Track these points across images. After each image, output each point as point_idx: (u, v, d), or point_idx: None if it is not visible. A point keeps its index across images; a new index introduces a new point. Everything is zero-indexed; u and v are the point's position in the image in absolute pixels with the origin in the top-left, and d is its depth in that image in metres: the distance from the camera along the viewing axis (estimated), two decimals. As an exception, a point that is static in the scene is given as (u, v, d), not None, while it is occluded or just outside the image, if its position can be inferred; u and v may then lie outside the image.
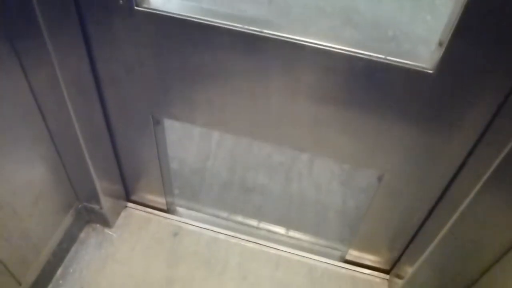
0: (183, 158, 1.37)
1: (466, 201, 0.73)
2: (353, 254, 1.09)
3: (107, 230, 1.14)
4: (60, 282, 1.04)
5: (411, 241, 0.99)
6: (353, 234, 1.06)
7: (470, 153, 0.74)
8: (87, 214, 1.12)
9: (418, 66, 0.65)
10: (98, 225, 1.14)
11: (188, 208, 1.19)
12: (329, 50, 0.67)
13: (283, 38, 0.68)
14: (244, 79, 0.77)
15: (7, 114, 0.79)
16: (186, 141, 1.43)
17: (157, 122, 0.94)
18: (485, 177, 0.68)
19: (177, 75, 0.80)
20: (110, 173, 1.08)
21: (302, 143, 0.86)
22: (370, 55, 0.66)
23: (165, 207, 1.17)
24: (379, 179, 0.87)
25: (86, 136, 0.92)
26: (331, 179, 1.35)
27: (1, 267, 0.86)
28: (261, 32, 0.68)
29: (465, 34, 0.59)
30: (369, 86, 0.70)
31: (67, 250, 1.09)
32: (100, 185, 1.04)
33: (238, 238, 1.14)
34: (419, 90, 0.68)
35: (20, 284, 0.94)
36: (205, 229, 1.15)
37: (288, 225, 1.16)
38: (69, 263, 1.07)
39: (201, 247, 1.12)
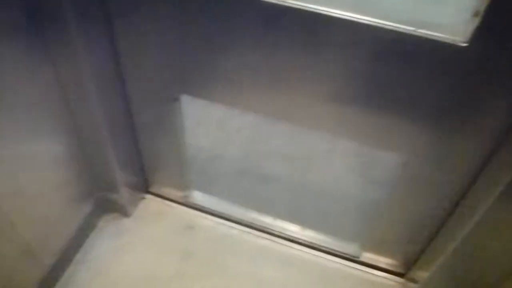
0: (200, 145, 1.38)
1: (489, 203, 0.70)
2: (368, 255, 1.09)
3: (125, 220, 1.17)
4: (78, 266, 1.08)
5: (428, 244, 0.97)
6: (369, 233, 1.06)
7: (499, 143, 0.70)
8: (106, 203, 1.15)
9: (449, 39, 0.61)
10: (116, 214, 1.17)
11: (204, 200, 1.20)
12: (356, 22, 0.64)
13: (306, 8, 0.65)
14: (265, 54, 0.75)
15: (34, 101, 0.82)
16: (203, 129, 1.44)
17: (176, 100, 0.94)
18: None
19: (199, 51, 0.80)
20: (130, 164, 1.11)
21: (323, 122, 0.82)
22: (398, 27, 0.62)
23: (181, 200, 1.20)
24: (403, 165, 0.83)
25: (108, 127, 0.95)
26: (350, 171, 1.33)
27: (26, 248, 0.90)
28: (284, 1, 0.66)
29: (504, 4, 0.54)
30: (397, 60, 0.67)
31: (86, 237, 1.12)
32: (120, 176, 1.07)
33: (252, 234, 1.15)
34: (450, 64, 0.64)
35: (41, 265, 0.98)
36: (219, 224, 1.17)
37: (302, 220, 1.16)
38: (88, 249, 1.11)
39: (215, 241, 1.14)
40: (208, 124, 1.45)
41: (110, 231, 1.15)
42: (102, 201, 1.14)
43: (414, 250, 1.01)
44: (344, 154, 1.38)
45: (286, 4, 0.66)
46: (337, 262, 1.11)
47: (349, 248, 1.12)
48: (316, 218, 1.20)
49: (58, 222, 1.02)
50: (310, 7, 0.65)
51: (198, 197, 1.20)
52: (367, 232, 1.07)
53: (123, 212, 1.17)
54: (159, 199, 1.22)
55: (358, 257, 1.10)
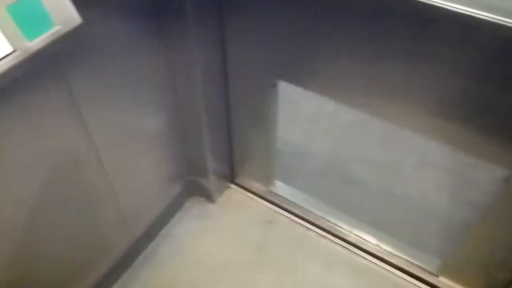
0: (289, 139, 1.41)
1: None
2: (444, 281, 1.05)
3: (209, 205, 1.24)
4: (162, 241, 1.16)
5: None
6: (451, 256, 1.02)
7: None
8: (194, 187, 1.23)
9: None
10: (202, 198, 1.25)
11: (286, 192, 1.23)
12: (471, 17, 0.59)
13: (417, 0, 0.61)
14: (368, 47, 0.74)
15: (147, 82, 0.90)
16: (294, 123, 1.46)
17: (273, 86, 0.96)
18: None
19: (304, 39, 0.81)
20: (221, 154, 1.18)
21: (422, 124, 0.79)
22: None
23: (263, 194, 1.24)
24: (507, 180, 0.76)
25: (207, 115, 1.02)
26: (440, 186, 1.29)
27: (121, 215, 0.99)
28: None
29: None
30: (506, 58, 0.62)
31: (172, 215, 1.21)
32: (210, 163, 1.14)
33: (328, 238, 1.16)
34: None
35: (131, 234, 1.07)
36: (297, 223, 1.20)
37: (382, 228, 1.15)
38: (173, 226, 1.19)
39: (291, 239, 1.17)
40: (300, 119, 1.47)
41: (194, 213, 1.22)
42: (191, 184, 1.22)
43: (504, 277, 0.94)
44: (435, 168, 1.33)
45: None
46: (411, 282, 1.09)
47: (429, 264, 1.08)
48: (398, 229, 1.18)
49: (151, 197, 1.10)
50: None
51: (280, 188, 1.23)
52: (451, 251, 1.02)
53: (209, 197, 1.23)
54: (242, 191, 1.27)
55: (437, 275, 1.06)
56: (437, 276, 1.06)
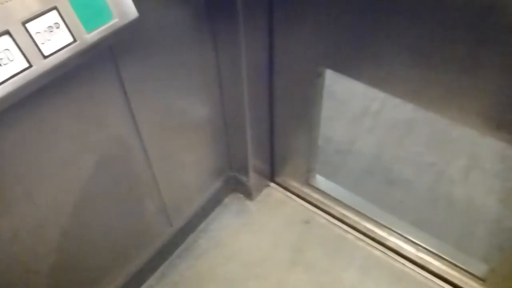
0: (332, 136, 1.40)
1: None
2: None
3: (248, 202, 1.25)
4: (200, 234, 1.18)
5: None
6: (498, 262, 0.98)
7: None
8: (234, 183, 1.25)
9: None
10: (241, 195, 1.26)
11: (325, 193, 1.23)
12: None
13: None
14: (421, 35, 0.72)
15: (194, 79, 0.92)
16: (338, 120, 1.45)
17: (320, 75, 0.95)
18: None
19: (351, 28, 0.80)
20: (262, 151, 1.19)
21: (475, 117, 0.77)
22: None
23: (303, 194, 1.24)
24: None
25: (251, 113, 1.03)
26: (487, 192, 1.25)
27: (162, 206, 1.02)
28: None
29: None
30: None
31: (212, 209, 1.23)
32: (252, 161, 1.15)
33: (366, 242, 1.15)
34: None
35: (171, 225, 1.10)
36: (335, 225, 1.19)
37: (424, 231, 1.12)
38: (211, 221, 1.21)
39: (328, 241, 1.16)
40: (344, 117, 1.46)
41: (233, 210, 1.24)
42: (231, 180, 1.24)
43: None
44: (483, 172, 1.29)
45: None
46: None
47: (474, 269, 1.04)
48: (441, 232, 1.15)
49: (192, 191, 1.13)
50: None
51: (321, 182, 1.22)
52: (498, 257, 0.99)
53: (248, 194, 1.25)
54: (281, 189, 1.28)
55: (484, 280, 1.02)
56: (483, 281, 1.02)
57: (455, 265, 1.06)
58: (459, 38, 0.68)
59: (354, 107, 1.49)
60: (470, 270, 1.04)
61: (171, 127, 0.93)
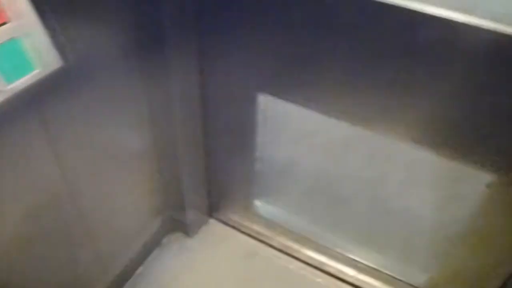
0: (270, 160, 1.39)
1: None
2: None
3: (188, 241, 1.21)
4: (139, 279, 1.13)
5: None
6: (438, 270, 1.02)
7: None
8: (172, 222, 1.21)
9: None
10: (180, 234, 1.22)
11: (265, 230, 1.22)
12: (452, 21, 0.61)
13: (400, 5, 0.62)
14: (352, 56, 0.74)
15: (125, 116, 0.89)
16: (277, 143, 1.46)
17: (253, 99, 0.94)
18: None
19: (284, 53, 0.81)
20: (199, 187, 1.17)
21: (410, 132, 0.80)
22: (498, 28, 0.59)
23: (243, 228, 1.23)
24: (489, 186, 0.78)
25: (185, 149, 1.01)
26: (426, 199, 1.30)
27: (96, 254, 0.96)
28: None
29: None
30: (495, 64, 0.63)
31: (150, 252, 1.17)
32: (188, 198, 1.12)
33: (308, 270, 1.16)
34: None
35: (107, 273, 1.03)
36: (278, 257, 1.18)
37: (367, 247, 1.14)
38: (150, 263, 1.16)
39: (272, 273, 1.15)
40: (282, 140, 1.47)
41: (172, 250, 1.19)
42: (169, 220, 1.20)
43: (493, 285, 0.93)
44: (419, 184, 1.35)
45: (380, 1, 0.63)
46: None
47: (416, 280, 1.07)
48: (384, 245, 1.17)
49: (128, 234, 1.08)
50: (404, 4, 0.62)
51: (261, 208, 1.21)
52: (438, 265, 1.02)
53: (187, 232, 1.21)
54: (221, 225, 1.26)
55: None
56: (427, 286, 1.05)
57: (396, 279, 1.08)
58: (387, 59, 0.71)
59: (291, 129, 1.51)
60: (411, 282, 1.07)
61: (101, 168, 0.89)
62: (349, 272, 1.15)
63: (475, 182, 0.94)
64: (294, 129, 1.51)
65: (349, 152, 1.45)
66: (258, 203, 1.21)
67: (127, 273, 1.12)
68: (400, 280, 1.08)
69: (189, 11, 0.82)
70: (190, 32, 0.86)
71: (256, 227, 1.22)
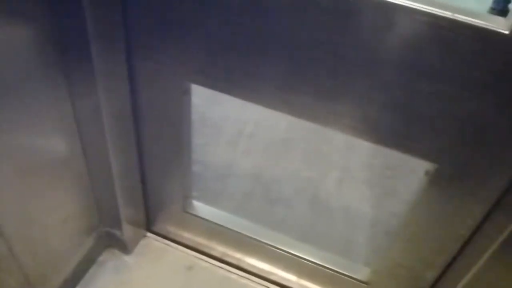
0: (209, 164, 1.38)
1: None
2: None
3: (125, 257, 1.18)
4: (75, 301, 1.08)
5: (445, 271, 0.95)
6: (379, 263, 1.03)
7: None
8: (107, 239, 1.17)
9: (490, 26, 0.58)
10: (117, 250, 1.18)
11: (204, 240, 1.21)
12: (389, 3, 0.62)
13: None
14: (285, 41, 0.73)
15: (48, 132, 0.85)
16: (214, 146, 1.44)
17: (186, 92, 0.90)
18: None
19: (217, 41, 0.78)
20: (134, 200, 1.13)
21: (347, 121, 0.79)
22: (433, 10, 0.60)
23: (182, 240, 1.21)
24: (427, 173, 0.78)
25: (117, 160, 0.98)
26: (363, 196, 1.34)
27: (23, 279, 0.91)
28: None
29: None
30: (430, 47, 0.64)
31: (85, 271, 1.13)
32: (123, 213, 1.09)
33: (249, 279, 1.15)
34: (489, 54, 0.61)
35: (38, 298, 0.98)
36: (218, 267, 1.17)
37: (308, 244, 1.14)
38: (86, 283, 1.11)
39: (212, 284, 1.14)
40: (219, 143, 1.46)
41: (109, 267, 1.15)
42: (104, 236, 1.15)
43: (432, 275, 0.97)
44: (356, 182, 1.39)
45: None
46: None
47: (358, 273, 1.08)
48: (324, 243, 1.20)
49: (59, 254, 1.03)
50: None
51: (200, 209, 1.17)
52: (378, 258, 1.04)
53: (124, 248, 1.17)
54: (159, 238, 1.23)
55: (367, 283, 1.06)
56: (367, 283, 1.07)
57: (338, 275, 1.09)
58: (325, 47, 0.70)
59: (228, 132, 1.51)
60: (354, 276, 1.08)
61: (24, 185, 0.84)
62: (291, 278, 1.16)
63: (413, 171, 0.96)
64: (232, 131, 1.51)
65: (287, 153, 1.48)
66: (197, 208, 1.18)
67: (61, 296, 1.07)
68: (343, 275, 1.09)
69: (113, 8, 0.78)
70: (116, 29, 0.82)
71: (196, 238, 1.20)
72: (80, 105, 0.88)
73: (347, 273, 1.09)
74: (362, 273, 1.09)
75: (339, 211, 1.32)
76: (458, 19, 0.60)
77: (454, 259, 0.90)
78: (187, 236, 1.21)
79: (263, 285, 1.15)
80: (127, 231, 1.13)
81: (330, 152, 1.49)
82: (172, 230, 1.21)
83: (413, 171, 1.34)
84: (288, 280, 1.16)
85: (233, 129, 1.51)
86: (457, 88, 0.67)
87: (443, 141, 0.74)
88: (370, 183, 1.41)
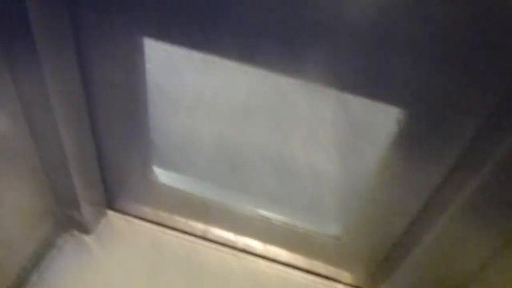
0: (169, 133, 1.33)
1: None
2: (331, 269, 1.10)
3: (86, 237, 1.13)
4: (35, 288, 1.03)
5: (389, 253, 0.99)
6: (350, 222, 1.04)
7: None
8: (66, 220, 1.11)
9: None
10: (76, 231, 1.13)
11: (168, 215, 1.18)
12: None
13: None
14: None
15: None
16: (173, 115, 1.39)
17: (139, 49, 0.83)
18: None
19: None
20: (92, 181, 1.07)
21: (306, 68, 0.76)
22: None
23: (145, 215, 1.17)
24: (399, 122, 0.78)
25: (68, 138, 0.91)
26: (329, 156, 1.34)
27: (-23, 272, 0.85)
28: None
29: None
30: None
31: (43, 257, 1.07)
32: (81, 193, 1.03)
33: (217, 249, 1.14)
34: None
35: (-6, 289, 0.93)
36: (183, 239, 1.15)
37: (277, 206, 1.14)
38: (46, 269, 1.05)
39: (180, 257, 1.12)
40: (178, 111, 1.41)
41: (69, 251, 1.10)
42: (61, 218, 1.09)
43: (379, 256, 1.01)
44: (320, 142, 1.39)
45: None
46: (301, 277, 1.12)
47: (330, 228, 1.09)
48: (293, 205, 1.19)
49: (13, 241, 0.97)
50: None
51: (161, 175, 1.12)
52: (349, 218, 1.04)
53: (84, 229, 1.12)
54: (121, 215, 1.18)
55: (339, 238, 1.07)
56: (338, 239, 1.07)
57: (309, 231, 1.09)
58: None
59: (187, 100, 1.45)
60: (325, 231, 1.09)
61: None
62: (258, 246, 1.16)
63: (385, 119, 0.94)
64: (191, 99, 1.46)
65: (249, 118, 1.45)
66: (158, 174, 1.12)
67: (19, 284, 1.01)
68: (314, 233, 1.09)
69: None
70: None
71: (159, 211, 1.17)
72: (22, 80, 0.80)
73: (317, 230, 1.09)
74: (333, 228, 1.09)
75: (305, 172, 1.32)
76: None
77: (424, 209, 0.91)
78: (149, 210, 1.17)
79: (231, 254, 1.14)
80: (86, 211, 1.08)
81: (293, 116, 1.47)
82: (134, 206, 1.17)
83: (380, 130, 1.35)
84: (254, 247, 1.16)
85: (192, 97, 1.46)
86: (428, 29, 0.65)
87: (413, 85, 0.72)
88: (336, 142, 1.41)
